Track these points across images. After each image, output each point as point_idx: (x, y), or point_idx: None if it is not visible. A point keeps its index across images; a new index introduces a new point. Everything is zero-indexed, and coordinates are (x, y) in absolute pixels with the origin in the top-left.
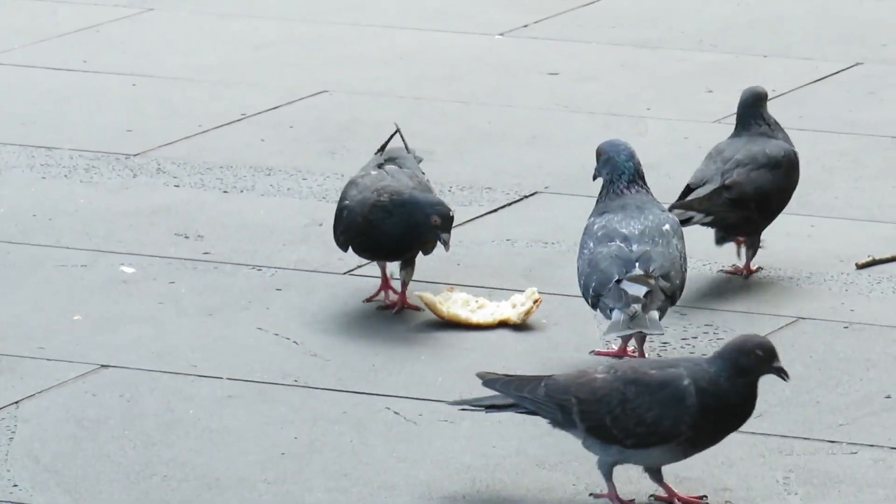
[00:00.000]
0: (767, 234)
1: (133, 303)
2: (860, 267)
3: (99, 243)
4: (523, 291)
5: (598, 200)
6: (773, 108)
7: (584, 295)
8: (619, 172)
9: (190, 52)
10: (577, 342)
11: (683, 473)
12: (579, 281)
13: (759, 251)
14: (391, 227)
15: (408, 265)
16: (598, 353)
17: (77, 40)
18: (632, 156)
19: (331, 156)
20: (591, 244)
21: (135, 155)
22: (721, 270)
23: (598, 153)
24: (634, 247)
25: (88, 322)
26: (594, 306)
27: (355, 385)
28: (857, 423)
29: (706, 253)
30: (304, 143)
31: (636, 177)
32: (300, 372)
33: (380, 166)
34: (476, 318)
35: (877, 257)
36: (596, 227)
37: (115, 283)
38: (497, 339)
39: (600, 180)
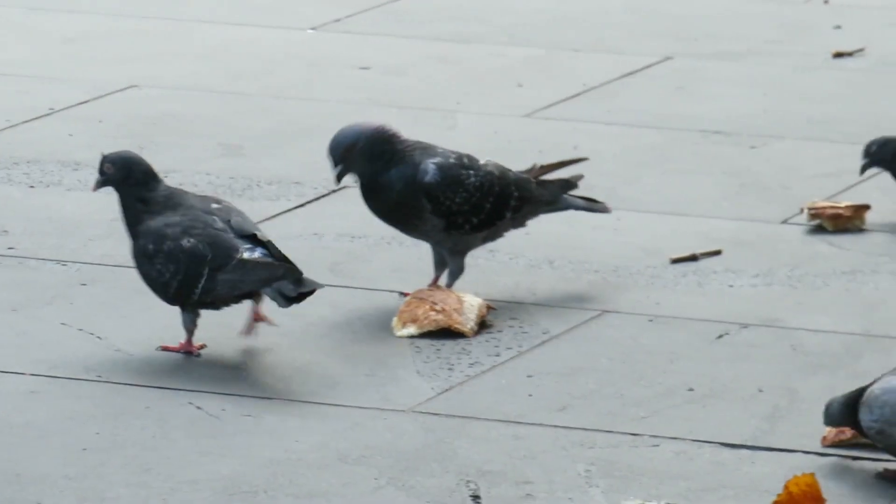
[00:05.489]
0: (575, 229)
1: None
2: (675, 261)
3: None
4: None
5: None
6: (583, 103)
7: None
8: None
9: None
10: (383, 335)
11: (485, 467)
12: None
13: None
14: None
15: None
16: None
17: None
18: None
19: (139, 150)
20: None
21: None
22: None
23: None
24: None
25: None
26: None
27: (159, 380)
28: (659, 416)
29: (512, 246)
30: (112, 137)
31: None
32: (103, 367)
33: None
34: None
35: (696, 253)
36: None
37: None
38: (301, 333)
39: None
